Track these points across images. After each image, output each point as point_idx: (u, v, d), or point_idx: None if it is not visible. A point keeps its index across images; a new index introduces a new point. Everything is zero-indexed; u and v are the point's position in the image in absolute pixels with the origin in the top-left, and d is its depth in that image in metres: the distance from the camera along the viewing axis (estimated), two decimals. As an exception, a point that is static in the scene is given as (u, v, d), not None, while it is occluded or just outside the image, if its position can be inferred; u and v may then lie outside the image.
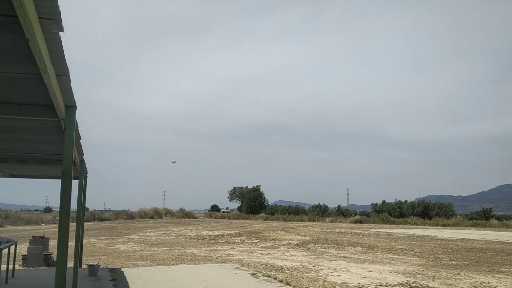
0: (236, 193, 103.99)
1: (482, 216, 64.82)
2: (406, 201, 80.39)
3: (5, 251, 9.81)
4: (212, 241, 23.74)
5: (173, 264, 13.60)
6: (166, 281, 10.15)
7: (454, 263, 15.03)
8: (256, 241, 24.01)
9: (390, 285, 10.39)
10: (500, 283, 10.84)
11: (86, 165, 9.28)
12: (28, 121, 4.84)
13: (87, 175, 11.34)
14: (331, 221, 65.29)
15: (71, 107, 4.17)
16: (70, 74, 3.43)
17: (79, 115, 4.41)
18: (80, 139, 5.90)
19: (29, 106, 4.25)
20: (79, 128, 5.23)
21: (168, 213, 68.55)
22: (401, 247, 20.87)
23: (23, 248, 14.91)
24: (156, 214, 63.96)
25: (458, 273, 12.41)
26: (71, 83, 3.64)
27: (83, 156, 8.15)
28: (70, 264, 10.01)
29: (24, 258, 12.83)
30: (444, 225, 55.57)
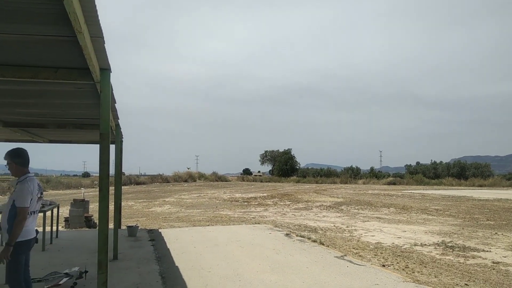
0: (268, 156, 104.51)
1: (521, 176, 63.11)
2: (441, 162, 79.03)
3: (48, 213, 10.26)
4: (245, 203, 24.10)
5: (208, 225, 13.92)
6: (202, 241, 10.41)
7: (491, 223, 14.78)
8: (289, 203, 24.22)
9: (425, 244, 10.34)
10: (540, 242, 10.63)
11: (121, 130, 9.44)
12: (65, 85, 4.90)
13: (123, 139, 11.56)
14: (364, 183, 64.98)
15: (105, 69, 4.19)
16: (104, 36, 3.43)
17: (113, 80, 4.44)
18: (115, 103, 5.96)
19: (65, 70, 4.29)
20: (113, 92, 5.28)
21: (201, 176, 69.81)
22: (436, 207, 20.64)
23: (65, 211, 15.53)
24: (190, 178, 65.24)
25: (496, 233, 12.22)
26: (105, 45, 3.64)
27: (118, 121, 8.28)
28: (110, 225, 10.40)
29: (67, 220, 13.39)
30: (480, 186, 54.46)
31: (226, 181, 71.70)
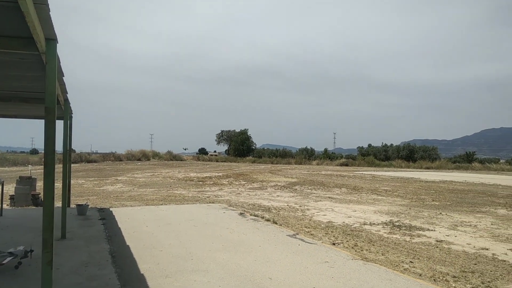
0: (224, 136, 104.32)
1: (465, 159, 66.41)
2: (391, 144, 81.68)
3: (-8, 190, 9.80)
4: (200, 182, 24.00)
5: (161, 204, 13.76)
6: (154, 220, 10.28)
7: (437, 203, 15.45)
8: (244, 182, 24.33)
9: (374, 224, 10.68)
10: (480, 222, 11.20)
11: (71, 105, 9.06)
12: (7, 54, 4.60)
13: (72, 115, 11.13)
14: (318, 164, 66.28)
15: (51, 40, 3.96)
16: (49, 3, 3.22)
17: (63, 54, 4.21)
18: (63, 76, 5.69)
19: (6, 38, 4.02)
20: (61, 65, 5.01)
21: (155, 155, 68.88)
22: (385, 188, 21.35)
23: (10, 189, 14.91)
24: (144, 157, 64.22)
25: (440, 213, 12.78)
26: (50, 13, 3.42)
27: (67, 95, 7.93)
28: (59, 204, 10.06)
29: (12, 198, 12.84)
30: (428, 168, 56.80)
31: (181, 160, 71.10)
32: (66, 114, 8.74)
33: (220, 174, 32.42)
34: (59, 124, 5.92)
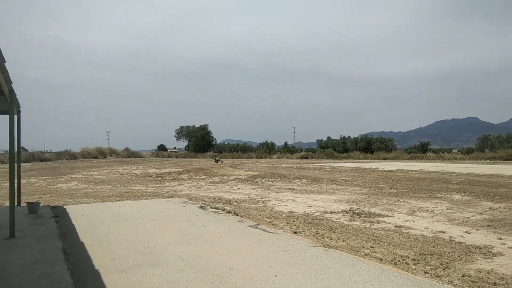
0: (183, 132, 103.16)
1: (420, 149, 68.51)
2: (349, 137, 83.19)
3: None
4: (159, 178, 23.54)
5: (118, 200, 13.34)
6: (111, 216, 9.93)
7: (394, 191, 15.76)
8: (204, 177, 24.06)
9: (334, 212, 10.73)
10: (436, 207, 11.47)
11: (18, 98, 8.54)
12: None
13: (21, 109, 10.57)
14: (278, 158, 66.67)
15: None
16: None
17: (11, 48, 3.87)
18: (5, 62, 5.29)
19: None
20: (12, 60, 4.65)
21: (113, 153, 67.29)
22: (344, 178, 21.63)
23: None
24: (100, 154, 62.62)
25: (398, 200, 13.02)
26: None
27: (12, 86, 7.44)
28: (7, 203, 9.53)
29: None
30: (384, 159, 58.19)
31: (139, 157, 69.78)
32: (11, 107, 8.21)
33: (180, 169, 31.95)
34: (4, 118, 5.52)
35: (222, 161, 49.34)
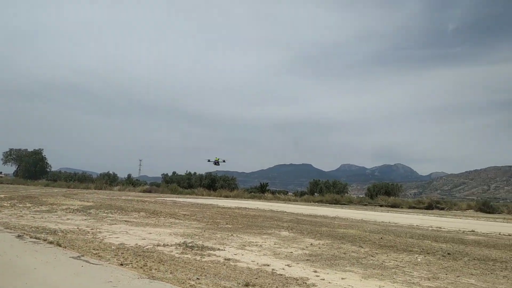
0: (13, 155, 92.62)
1: (259, 189, 72.28)
2: (195, 173, 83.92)
3: None
4: (-26, 204, 20.60)
5: None
6: None
7: (230, 226, 16.21)
8: (30, 205, 21.78)
9: (167, 245, 10.58)
10: (265, 242, 12.10)
11: None
12: None
13: None
14: (120, 190, 64.00)
15: None
16: None
17: None
18: None
19: None
20: None
21: None
22: (184, 213, 21.60)
23: None
24: None
25: (232, 235, 13.41)
26: None
27: None
28: None
29: None
30: (226, 196, 59.99)
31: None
32: None
33: (2, 196, 28.47)
34: None
35: (224, 161, 45.48)
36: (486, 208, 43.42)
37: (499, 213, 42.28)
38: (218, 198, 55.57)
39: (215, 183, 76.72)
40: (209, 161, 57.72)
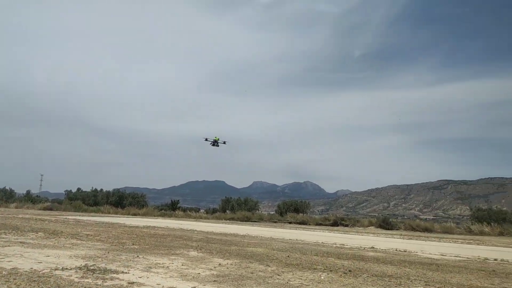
0: None
1: (170, 207, 70.92)
2: (102, 190, 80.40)
3: None
4: None
5: None
6: None
7: (136, 247, 15.67)
8: None
9: (66, 268, 9.95)
10: (172, 263, 11.84)
11: None
12: None
13: None
14: (16, 208, 59.31)
15: None
16: None
17: None
18: None
19: None
20: None
21: None
22: (87, 233, 20.51)
23: None
24: None
25: (138, 256, 12.95)
26: None
27: None
28: None
29: None
30: (135, 214, 58.08)
31: None
32: None
33: None
34: None
35: (225, 142, 40.72)
36: (385, 224, 46.36)
37: (396, 229, 45.30)
38: (126, 216, 53.59)
39: (123, 200, 73.95)
40: (206, 140, 54.11)
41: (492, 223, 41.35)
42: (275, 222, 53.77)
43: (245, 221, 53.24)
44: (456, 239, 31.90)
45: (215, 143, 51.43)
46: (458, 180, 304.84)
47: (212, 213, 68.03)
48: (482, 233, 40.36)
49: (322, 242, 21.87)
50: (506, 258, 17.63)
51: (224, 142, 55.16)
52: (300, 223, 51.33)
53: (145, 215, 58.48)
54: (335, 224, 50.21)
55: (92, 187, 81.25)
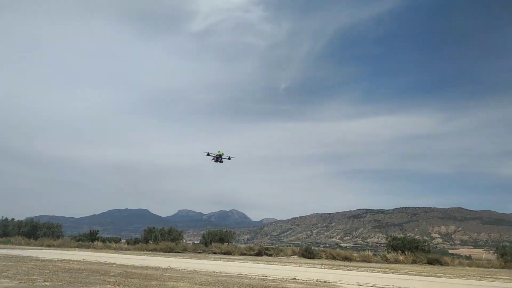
0: None
1: (89, 237, 67.28)
2: (13, 219, 74.91)
3: None
4: None
5: None
6: None
7: (48, 284, 14.67)
8: None
9: (-35, 312, 9.08)
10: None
11: None
12: None
13: None
14: None
15: None
16: None
17: None
18: None
19: None
20: None
21: None
22: (-7, 269, 18.89)
23: None
24: None
25: (48, 295, 12.14)
26: None
27: None
28: None
29: None
30: (49, 246, 54.54)
31: None
32: None
33: None
34: None
35: (229, 158, 35.48)
36: (308, 253, 47.20)
37: (318, 258, 46.27)
38: (40, 248, 50.15)
39: (37, 230, 69.24)
40: (208, 154, 48.01)
41: (406, 252, 43.55)
42: (199, 252, 52.81)
43: (169, 251, 51.79)
44: (373, 268, 33.15)
45: (218, 158, 46.88)
46: (376, 209, 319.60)
47: (134, 244, 65.35)
48: (397, 261, 42.37)
49: (246, 274, 21.78)
50: (415, 287, 18.70)
51: (229, 158, 49.85)
52: (225, 253, 50.81)
53: (60, 246, 55.01)
54: (259, 253, 50.30)
55: (2, 216, 75.39)
